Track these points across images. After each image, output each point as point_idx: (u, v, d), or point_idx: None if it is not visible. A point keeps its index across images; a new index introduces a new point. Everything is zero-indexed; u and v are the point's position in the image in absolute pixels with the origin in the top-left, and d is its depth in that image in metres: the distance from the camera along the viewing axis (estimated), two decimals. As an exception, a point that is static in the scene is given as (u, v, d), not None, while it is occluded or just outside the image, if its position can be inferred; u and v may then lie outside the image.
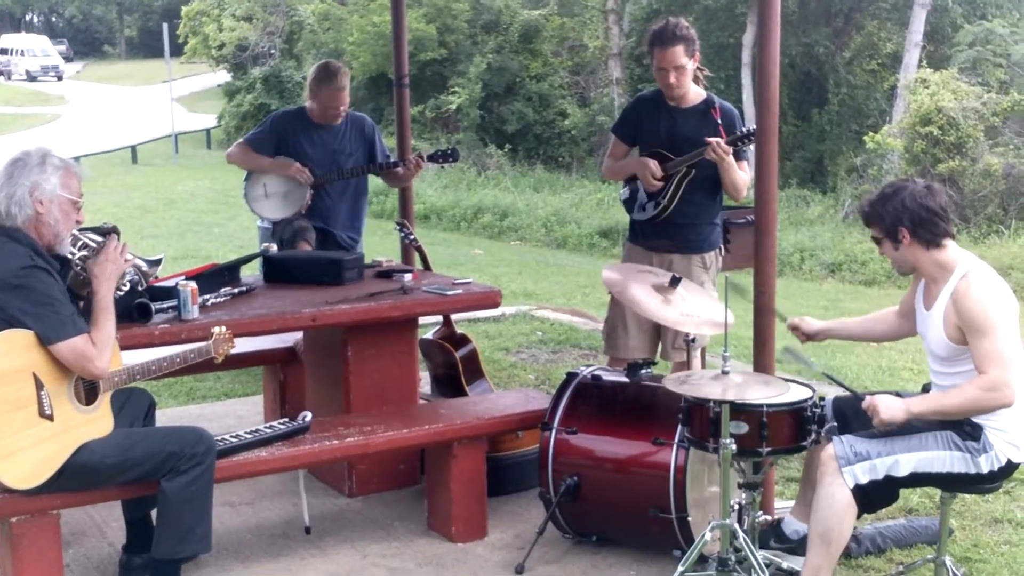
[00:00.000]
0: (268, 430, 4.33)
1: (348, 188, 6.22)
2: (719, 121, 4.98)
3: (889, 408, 3.67)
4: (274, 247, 5.62)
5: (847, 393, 4.03)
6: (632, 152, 5.30)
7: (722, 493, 3.73)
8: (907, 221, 3.75)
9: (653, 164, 5.03)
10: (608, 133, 21.34)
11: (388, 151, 6.40)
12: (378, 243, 11.82)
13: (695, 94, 5.09)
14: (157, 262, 4.30)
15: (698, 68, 5.08)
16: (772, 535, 4.30)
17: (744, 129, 4.92)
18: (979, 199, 19.23)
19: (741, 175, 4.97)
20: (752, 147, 4.89)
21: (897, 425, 3.69)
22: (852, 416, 3.95)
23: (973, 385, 3.63)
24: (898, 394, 3.89)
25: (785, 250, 16.86)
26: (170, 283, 4.55)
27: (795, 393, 3.77)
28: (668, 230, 5.13)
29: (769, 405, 3.64)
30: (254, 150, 6.19)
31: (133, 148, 31.03)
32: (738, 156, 4.96)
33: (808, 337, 4.31)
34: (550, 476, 4.41)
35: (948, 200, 3.85)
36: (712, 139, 4.84)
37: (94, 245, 3.88)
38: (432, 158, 6.21)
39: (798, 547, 4.15)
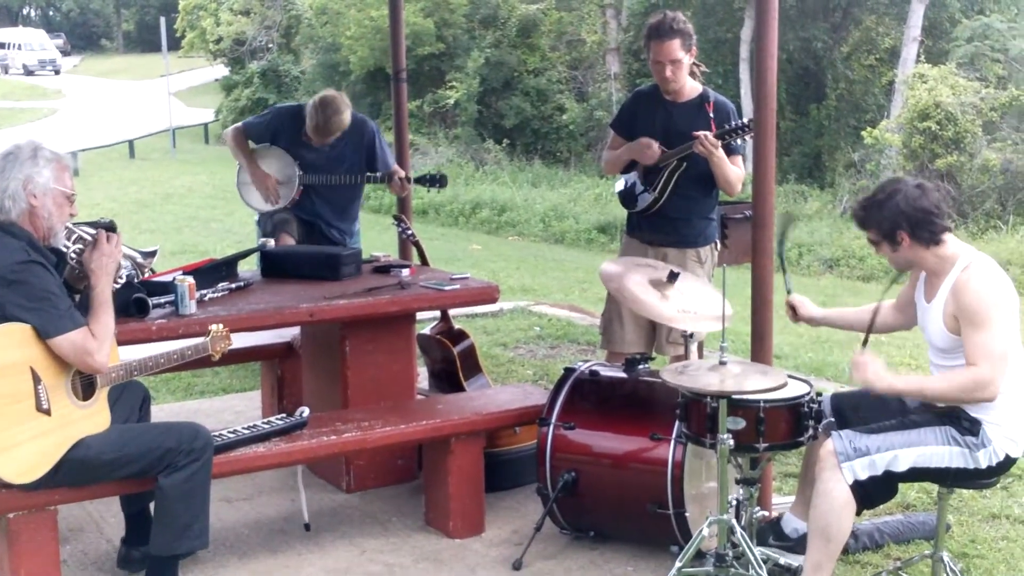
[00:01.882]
0: (265, 425, 4.32)
1: (340, 192, 6.22)
2: (711, 115, 4.97)
3: (876, 372, 3.69)
4: (271, 242, 5.63)
5: (847, 389, 4.02)
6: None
7: (720, 489, 3.74)
8: (905, 224, 3.73)
9: (647, 139, 5.02)
10: (606, 128, 21.32)
11: (388, 156, 6.37)
12: (376, 238, 11.83)
13: (691, 88, 5.08)
14: (152, 253, 4.30)
15: (694, 64, 5.07)
16: (771, 533, 4.30)
17: (733, 123, 4.90)
18: (977, 195, 19.24)
19: (734, 170, 4.95)
20: (748, 142, 4.88)
21: (874, 390, 3.69)
22: (850, 412, 3.95)
23: (960, 376, 3.64)
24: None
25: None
26: (167, 278, 4.54)
27: (792, 389, 3.76)
28: (662, 224, 5.13)
29: (766, 401, 3.64)
30: (249, 137, 6.26)
31: (131, 143, 30.99)
32: (731, 151, 4.93)
33: (796, 317, 4.30)
34: (548, 471, 4.41)
35: (942, 194, 3.84)
36: (699, 133, 4.83)
37: (88, 238, 3.87)
38: (419, 181, 6.18)
39: (797, 546, 4.14)
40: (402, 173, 6.17)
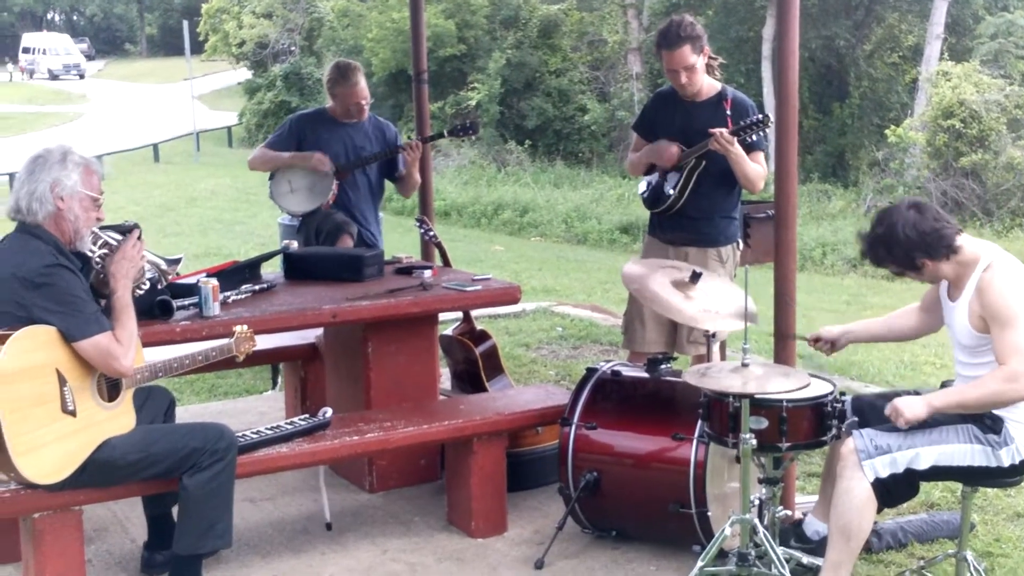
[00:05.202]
0: (289, 426, 4.35)
1: (368, 187, 6.23)
2: (729, 112, 4.96)
3: (911, 408, 3.66)
4: (294, 244, 5.63)
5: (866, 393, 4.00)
6: None
7: (742, 488, 3.73)
8: (919, 251, 3.73)
9: (666, 142, 5.03)
10: (628, 128, 21.34)
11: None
12: (398, 240, 11.85)
13: (710, 87, 5.07)
14: (176, 261, 4.32)
15: (711, 58, 5.06)
16: (793, 535, 4.28)
17: (749, 119, 4.88)
18: (1002, 192, 19.14)
19: (754, 167, 4.93)
20: (771, 140, 4.86)
21: (920, 421, 3.68)
22: (872, 412, 3.94)
23: (993, 377, 3.61)
24: (916, 392, 3.87)
25: (807, 244, 16.82)
26: (191, 280, 4.58)
27: (815, 388, 3.75)
28: (683, 223, 5.12)
29: (789, 400, 3.64)
30: (275, 152, 6.20)
31: (155, 146, 31.18)
32: (751, 147, 4.91)
33: (832, 346, 4.28)
34: (570, 471, 4.41)
35: (935, 203, 3.82)
36: (715, 129, 4.82)
37: (114, 243, 3.90)
38: (452, 132, 6.22)
39: (818, 548, 4.11)
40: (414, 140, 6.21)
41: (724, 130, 4.81)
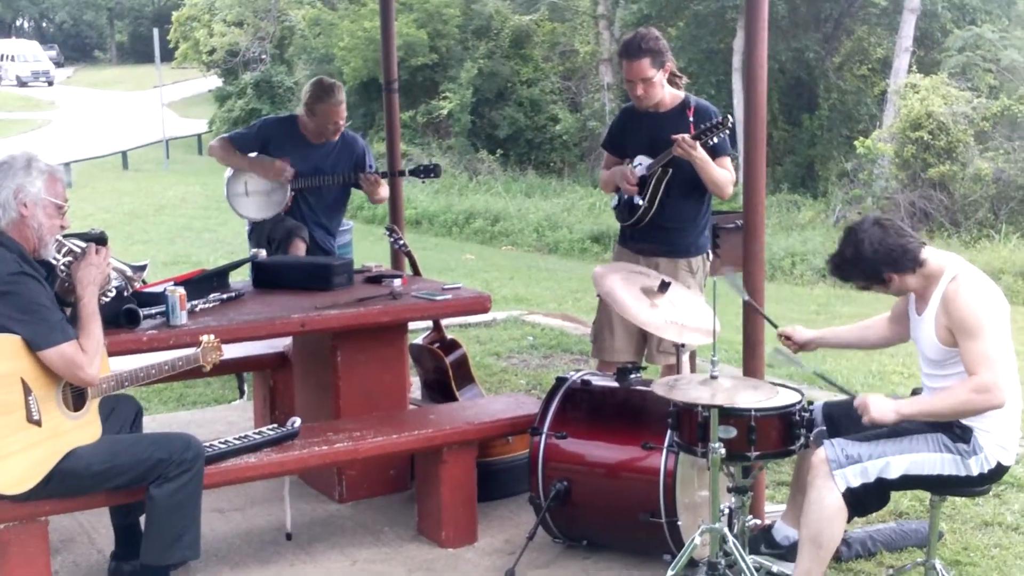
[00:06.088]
0: (257, 436, 4.32)
1: (325, 199, 6.19)
2: (692, 119, 4.98)
3: (879, 408, 3.68)
4: (263, 252, 5.61)
5: (838, 397, 4.03)
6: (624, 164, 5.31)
7: (711, 497, 3.74)
8: (885, 266, 3.76)
9: (627, 171, 5.06)
10: (599, 139, 21.38)
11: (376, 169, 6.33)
12: (368, 248, 11.83)
13: (672, 97, 5.09)
14: (142, 268, 4.29)
15: (674, 75, 5.08)
16: (762, 541, 4.30)
17: (709, 122, 4.90)
18: (969, 204, 19.28)
19: (720, 172, 4.94)
20: (740, 150, 4.88)
21: (886, 425, 3.70)
22: (841, 420, 3.96)
23: (963, 387, 3.63)
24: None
25: (776, 255, 16.88)
26: (159, 289, 4.54)
27: (783, 397, 3.77)
28: (653, 233, 5.12)
29: (757, 409, 3.65)
30: (236, 148, 6.16)
31: (124, 154, 30.97)
32: (716, 152, 4.92)
33: (799, 347, 4.31)
34: (540, 481, 4.40)
35: (897, 218, 3.85)
36: (677, 135, 4.83)
37: (78, 251, 3.87)
38: (413, 173, 6.19)
39: (788, 554, 4.14)
40: (372, 171, 6.09)
41: (686, 135, 4.82)
